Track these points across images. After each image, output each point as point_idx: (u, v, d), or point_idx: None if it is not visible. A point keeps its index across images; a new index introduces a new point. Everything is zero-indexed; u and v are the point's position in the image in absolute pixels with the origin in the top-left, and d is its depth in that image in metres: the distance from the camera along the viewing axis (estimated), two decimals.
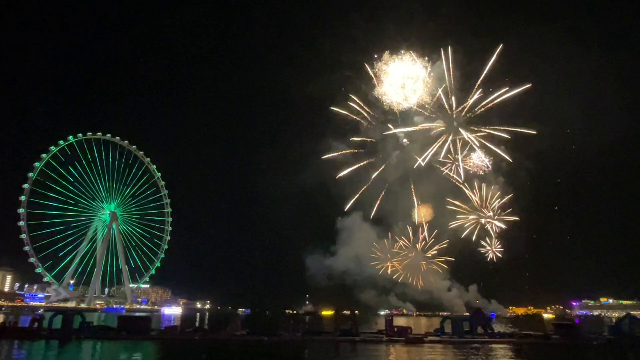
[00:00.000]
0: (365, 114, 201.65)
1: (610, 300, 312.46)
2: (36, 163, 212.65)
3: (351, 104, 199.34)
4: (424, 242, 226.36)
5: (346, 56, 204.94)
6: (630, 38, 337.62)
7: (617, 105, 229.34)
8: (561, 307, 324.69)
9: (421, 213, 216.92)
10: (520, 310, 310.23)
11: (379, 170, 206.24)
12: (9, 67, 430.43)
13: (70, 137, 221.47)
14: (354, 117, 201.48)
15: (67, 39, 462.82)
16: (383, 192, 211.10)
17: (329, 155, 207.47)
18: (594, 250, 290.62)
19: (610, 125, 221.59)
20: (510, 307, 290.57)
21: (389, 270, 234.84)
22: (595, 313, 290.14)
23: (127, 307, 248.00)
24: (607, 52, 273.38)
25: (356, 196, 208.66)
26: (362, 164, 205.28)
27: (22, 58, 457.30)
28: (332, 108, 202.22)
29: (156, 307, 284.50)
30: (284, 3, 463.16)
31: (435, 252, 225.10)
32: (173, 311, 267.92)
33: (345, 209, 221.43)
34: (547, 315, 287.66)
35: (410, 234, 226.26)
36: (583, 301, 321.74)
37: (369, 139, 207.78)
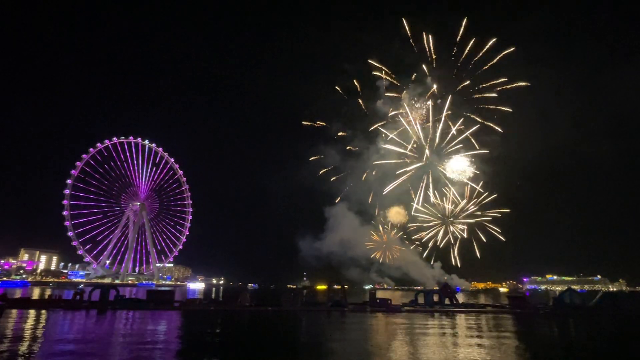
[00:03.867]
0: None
1: (555, 277, 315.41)
2: (77, 162, 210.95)
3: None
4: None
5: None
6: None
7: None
8: (514, 282, 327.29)
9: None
10: (481, 285, 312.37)
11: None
12: (66, 86, 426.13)
13: (107, 140, 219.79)
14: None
15: (109, 64, 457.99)
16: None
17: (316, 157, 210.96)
18: (541, 236, 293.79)
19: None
20: (473, 283, 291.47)
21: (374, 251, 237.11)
22: (542, 287, 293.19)
23: (156, 282, 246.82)
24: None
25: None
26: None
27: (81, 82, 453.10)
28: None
29: (178, 282, 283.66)
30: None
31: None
32: (197, 286, 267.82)
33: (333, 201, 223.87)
34: (502, 289, 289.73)
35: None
36: (532, 277, 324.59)
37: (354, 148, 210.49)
